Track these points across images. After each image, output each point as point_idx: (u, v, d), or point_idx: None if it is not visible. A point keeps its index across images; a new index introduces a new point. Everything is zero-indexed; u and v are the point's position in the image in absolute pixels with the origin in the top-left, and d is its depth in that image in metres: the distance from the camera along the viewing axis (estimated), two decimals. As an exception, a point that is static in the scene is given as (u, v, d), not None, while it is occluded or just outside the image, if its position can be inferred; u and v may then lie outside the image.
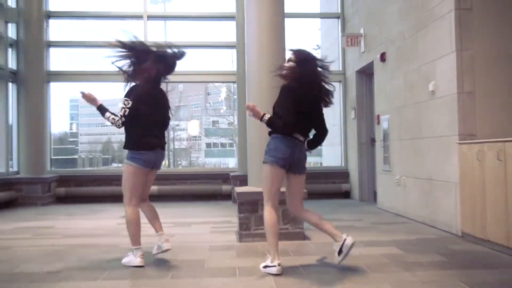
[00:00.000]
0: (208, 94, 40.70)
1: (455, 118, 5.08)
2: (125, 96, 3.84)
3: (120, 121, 3.77)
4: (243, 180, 7.35)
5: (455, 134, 5.07)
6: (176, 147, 26.01)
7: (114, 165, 28.88)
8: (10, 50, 8.76)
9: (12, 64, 8.79)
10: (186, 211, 7.46)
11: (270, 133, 3.77)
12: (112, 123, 3.74)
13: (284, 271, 3.63)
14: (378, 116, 7.53)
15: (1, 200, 7.84)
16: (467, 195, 4.80)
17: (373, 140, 8.45)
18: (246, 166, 8.24)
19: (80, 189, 8.89)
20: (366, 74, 8.55)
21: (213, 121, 36.98)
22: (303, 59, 3.73)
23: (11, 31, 8.81)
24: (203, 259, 4.13)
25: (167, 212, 7.30)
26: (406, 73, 6.35)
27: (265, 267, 3.65)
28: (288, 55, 3.85)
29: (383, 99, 7.31)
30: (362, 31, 8.17)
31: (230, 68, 9.76)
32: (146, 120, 3.87)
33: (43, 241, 5.04)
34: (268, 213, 3.69)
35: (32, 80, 8.74)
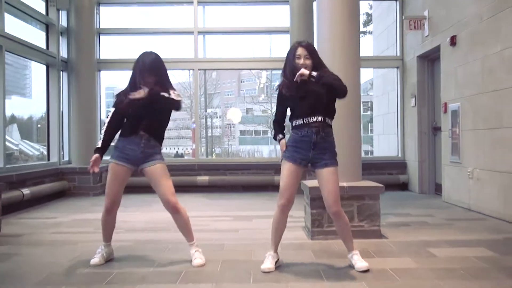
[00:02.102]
0: (242, 82, 40.60)
1: (548, 106, 4.62)
2: None
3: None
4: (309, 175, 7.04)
5: (548, 124, 4.62)
6: (209, 134, 25.97)
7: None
8: (61, 38, 8.65)
9: (63, 52, 8.69)
10: (242, 203, 7.21)
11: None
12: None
13: (375, 274, 3.33)
14: (446, 104, 7.06)
15: (55, 190, 7.78)
16: None
17: (435, 129, 7.99)
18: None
19: (131, 179, 8.73)
20: (429, 59, 8.06)
21: (247, 109, 36.90)
22: None
23: (62, 19, 8.69)
24: (281, 259, 3.84)
25: (222, 204, 7.13)
26: (485, 58, 5.87)
27: None
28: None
29: (452, 85, 6.84)
30: (426, 13, 7.67)
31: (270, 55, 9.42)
32: None
33: (107, 236, 4.87)
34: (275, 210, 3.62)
35: (83, 68, 8.62)
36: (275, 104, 3.69)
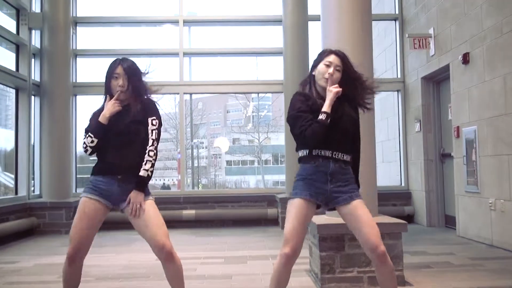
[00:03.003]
0: (228, 112, 40.20)
1: None
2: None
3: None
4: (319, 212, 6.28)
5: None
6: (195, 165, 25.17)
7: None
8: (33, 60, 7.90)
9: (35, 75, 7.92)
10: (233, 241, 6.39)
11: None
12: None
13: None
14: (458, 128, 6.41)
15: (22, 229, 6.89)
16: None
17: (443, 156, 7.33)
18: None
19: (108, 214, 7.89)
20: (434, 80, 7.46)
21: (233, 139, 36.40)
22: None
23: (35, 39, 7.96)
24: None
25: (211, 242, 6.34)
26: (506, 75, 5.23)
27: None
28: None
29: (465, 108, 6.19)
30: (431, 31, 7.11)
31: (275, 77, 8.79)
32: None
33: (72, 286, 4.01)
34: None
35: (57, 92, 7.84)
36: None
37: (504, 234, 5.35)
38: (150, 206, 2.81)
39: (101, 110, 2.88)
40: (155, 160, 2.82)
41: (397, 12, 8.49)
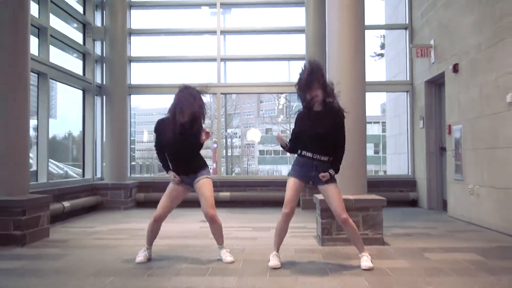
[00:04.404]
0: (261, 102, 41.34)
1: (534, 129, 5.18)
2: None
3: None
4: (310, 188, 7.65)
5: (534, 144, 5.17)
6: (228, 154, 26.67)
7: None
8: (96, 66, 9.51)
9: (97, 78, 9.53)
10: (260, 217, 7.80)
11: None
12: None
13: (373, 272, 3.93)
14: (450, 126, 7.63)
15: (90, 204, 8.52)
16: (548, 204, 4.89)
17: (442, 149, 8.52)
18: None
19: (158, 194, 9.39)
20: (435, 84, 8.65)
21: (266, 129, 37.62)
22: None
23: (97, 48, 9.56)
24: (293, 260, 4.45)
25: (243, 218, 7.75)
26: (483, 84, 6.45)
27: None
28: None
29: (455, 109, 7.41)
30: (432, 42, 8.30)
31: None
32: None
33: (142, 241, 5.52)
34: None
35: (116, 93, 9.45)
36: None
37: (479, 213, 6.59)
38: (206, 182, 4.31)
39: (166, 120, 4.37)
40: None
41: (407, 22, 9.67)
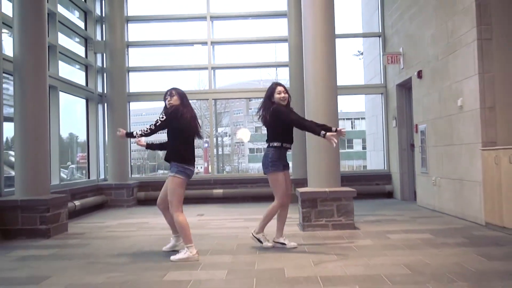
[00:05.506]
0: (250, 100, 42.11)
1: (478, 128, 6.17)
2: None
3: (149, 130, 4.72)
4: (298, 183, 8.63)
5: (479, 142, 6.17)
6: (219, 153, 27.53)
7: (160, 171, 30.79)
8: (98, 76, 10.38)
9: (99, 88, 10.40)
10: (251, 210, 8.73)
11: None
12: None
13: (342, 249, 4.90)
14: (416, 125, 8.63)
15: (97, 203, 9.41)
16: (489, 192, 5.89)
17: (412, 146, 9.51)
18: (299, 171, 9.57)
19: (157, 193, 10.26)
20: (405, 87, 9.64)
21: (255, 127, 38.44)
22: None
23: (99, 60, 10.43)
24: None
25: (235, 211, 8.69)
26: (440, 90, 7.44)
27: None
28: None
29: (420, 110, 8.41)
30: (401, 50, 9.28)
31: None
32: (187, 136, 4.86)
33: (149, 232, 6.48)
34: None
35: (116, 100, 10.32)
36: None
37: (440, 201, 7.59)
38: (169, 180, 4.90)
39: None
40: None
41: (380, 31, 10.66)
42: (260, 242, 5.23)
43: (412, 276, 3.80)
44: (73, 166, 10.39)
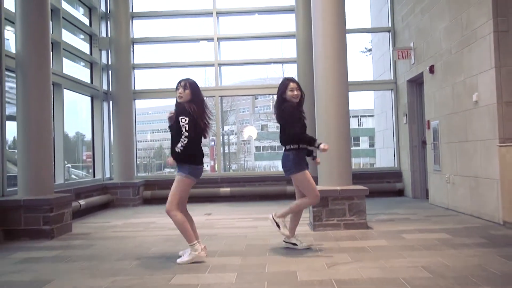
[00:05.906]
0: (256, 98, 42.00)
1: (495, 124, 5.95)
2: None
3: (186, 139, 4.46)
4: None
5: (495, 138, 5.95)
6: (226, 151, 27.40)
7: (167, 170, 30.69)
8: (103, 73, 10.23)
9: (104, 85, 10.25)
10: (259, 209, 8.53)
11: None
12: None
13: (356, 249, 4.70)
14: (428, 121, 8.41)
15: (102, 202, 9.26)
16: (506, 189, 5.67)
17: (424, 143, 9.29)
18: (310, 169, 9.35)
19: (163, 191, 10.20)
20: (416, 83, 9.42)
21: (262, 125, 38.32)
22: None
23: (103, 57, 10.28)
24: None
25: (243, 210, 8.51)
26: (454, 84, 7.22)
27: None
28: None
29: (432, 106, 8.19)
30: (412, 44, 9.06)
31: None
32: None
33: (156, 232, 6.30)
34: None
35: (121, 98, 10.17)
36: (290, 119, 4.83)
37: (454, 199, 7.37)
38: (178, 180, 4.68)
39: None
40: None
41: (390, 26, 10.43)
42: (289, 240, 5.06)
43: (433, 279, 3.60)
44: (69, 165, 10.23)
